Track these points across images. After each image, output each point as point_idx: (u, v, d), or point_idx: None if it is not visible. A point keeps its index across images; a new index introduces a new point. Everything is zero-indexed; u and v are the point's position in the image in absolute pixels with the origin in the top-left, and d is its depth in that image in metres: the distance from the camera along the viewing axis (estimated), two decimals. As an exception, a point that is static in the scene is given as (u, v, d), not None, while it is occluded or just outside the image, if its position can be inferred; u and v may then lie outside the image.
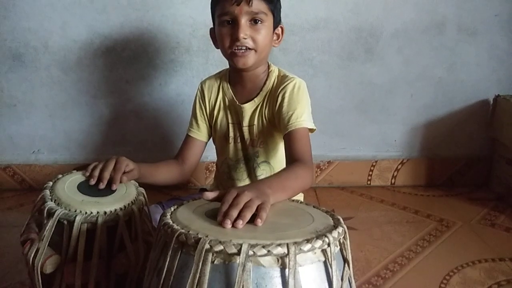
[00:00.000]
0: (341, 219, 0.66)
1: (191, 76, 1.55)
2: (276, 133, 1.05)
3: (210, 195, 0.68)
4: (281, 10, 1.47)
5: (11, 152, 1.63)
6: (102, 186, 0.85)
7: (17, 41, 1.51)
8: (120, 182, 0.87)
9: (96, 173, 0.87)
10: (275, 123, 1.03)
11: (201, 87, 1.13)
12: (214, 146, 1.18)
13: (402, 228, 1.32)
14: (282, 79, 1.04)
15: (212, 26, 1.05)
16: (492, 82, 1.56)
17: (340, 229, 0.61)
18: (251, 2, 0.93)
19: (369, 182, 1.67)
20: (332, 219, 0.66)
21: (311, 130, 0.99)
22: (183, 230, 0.57)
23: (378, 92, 1.58)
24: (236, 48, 0.96)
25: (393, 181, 1.66)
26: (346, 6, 1.48)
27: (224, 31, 0.97)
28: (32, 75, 1.55)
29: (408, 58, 1.54)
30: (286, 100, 0.99)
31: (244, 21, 0.94)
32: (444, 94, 1.58)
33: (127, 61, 1.53)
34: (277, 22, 1.02)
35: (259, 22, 0.96)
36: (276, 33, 1.04)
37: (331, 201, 1.54)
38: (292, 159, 0.91)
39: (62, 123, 1.61)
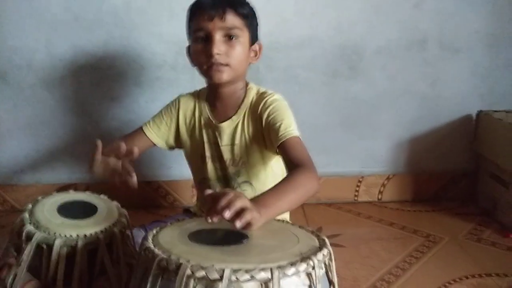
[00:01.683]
0: (326, 240, 0.65)
1: (177, 93, 1.52)
2: (260, 152, 1.04)
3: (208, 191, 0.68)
4: (266, 28, 1.49)
5: (-7, 172, 1.60)
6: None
7: (1, 60, 1.49)
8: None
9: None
10: (261, 140, 1.02)
11: (179, 100, 1.12)
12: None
13: (389, 244, 1.32)
14: (261, 95, 1.03)
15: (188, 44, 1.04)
16: (475, 97, 1.59)
17: (325, 251, 0.60)
18: (224, 17, 0.93)
19: (356, 198, 1.67)
20: (318, 240, 0.65)
21: None
22: (164, 256, 0.56)
23: (363, 108, 1.60)
24: (211, 64, 0.95)
25: (379, 196, 1.67)
26: (329, 24, 1.50)
27: (199, 47, 0.97)
28: (15, 94, 1.53)
29: (392, 75, 1.56)
30: (272, 113, 0.98)
31: (218, 36, 0.94)
32: (429, 109, 1.60)
33: (112, 78, 1.52)
34: (253, 38, 1.02)
35: (234, 37, 0.96)
36: (253, 50, 1.03)
37: (319, 217, 1.53)
38: (292, 166, 0.89)
39: (46, 142, 1.58)
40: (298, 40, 1.52)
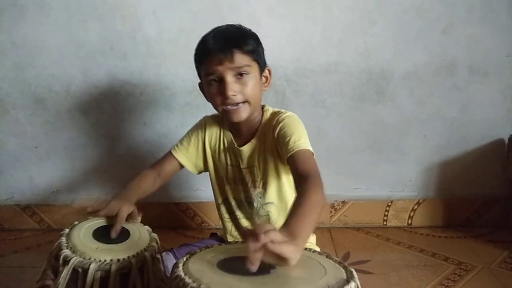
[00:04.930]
0: (354, 272, 0.64)
1: (206, 117, 1.59)
2: (279, 169, 1.05)
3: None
4: (293, 54, 1.52)
5: (31, 192, 1.68)
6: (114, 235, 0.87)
7: (41, 86, 1.59)
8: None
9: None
10: (275, 155, 1.03)
11: (205, 121, 1.15)
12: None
13: (419, 272, 1.29)
14: (275, 114, 1.05)
15: (199, 81, 1.06)
16: (506, 121, 1.55)
17: (352, 284, 0.60)
18: (232, 59, 0.95)
19: (385, 223, 1.64)
20: (345, 271, 0.65)
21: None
22: (194, 284, 0.58)
23: (391, 132, 1.59)
24: (228, 105, 0.97)
25: (409, 221, 1.64)
26: (356, 50, 1.52)
27: (213, 90, 0.98)
28: (54, 119, 1.61)
29: (420, 99, 1.55)
30: (283, 128, 0.99)
31: (230, 77, 0.96)
32: (458, 134, 1.58)
33: (145, 104, 1.58)
34: (262, 66, 1.03)
35: (245, 74, 0.97)
36: (264, 76, 1.05)
37: (347, 242, 1.51)
38: (299, 178, 0.88)
39: (81, 164, 1.65)
40: (325, 65, 1.54)
